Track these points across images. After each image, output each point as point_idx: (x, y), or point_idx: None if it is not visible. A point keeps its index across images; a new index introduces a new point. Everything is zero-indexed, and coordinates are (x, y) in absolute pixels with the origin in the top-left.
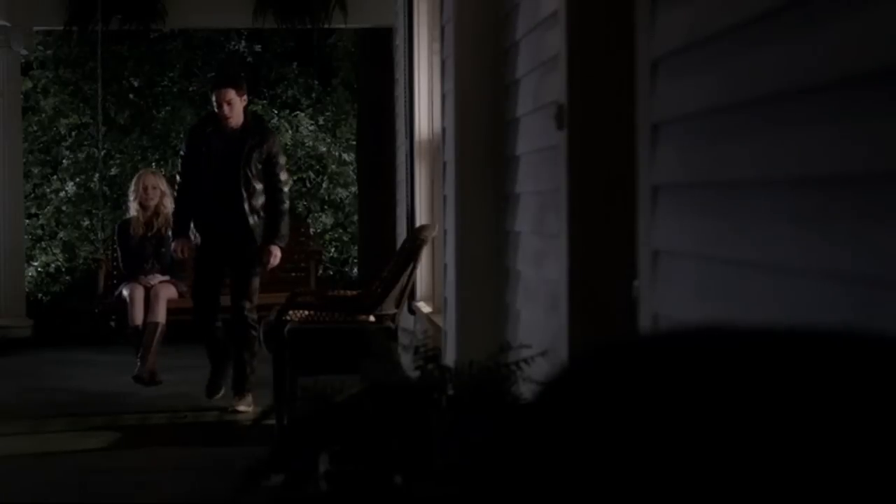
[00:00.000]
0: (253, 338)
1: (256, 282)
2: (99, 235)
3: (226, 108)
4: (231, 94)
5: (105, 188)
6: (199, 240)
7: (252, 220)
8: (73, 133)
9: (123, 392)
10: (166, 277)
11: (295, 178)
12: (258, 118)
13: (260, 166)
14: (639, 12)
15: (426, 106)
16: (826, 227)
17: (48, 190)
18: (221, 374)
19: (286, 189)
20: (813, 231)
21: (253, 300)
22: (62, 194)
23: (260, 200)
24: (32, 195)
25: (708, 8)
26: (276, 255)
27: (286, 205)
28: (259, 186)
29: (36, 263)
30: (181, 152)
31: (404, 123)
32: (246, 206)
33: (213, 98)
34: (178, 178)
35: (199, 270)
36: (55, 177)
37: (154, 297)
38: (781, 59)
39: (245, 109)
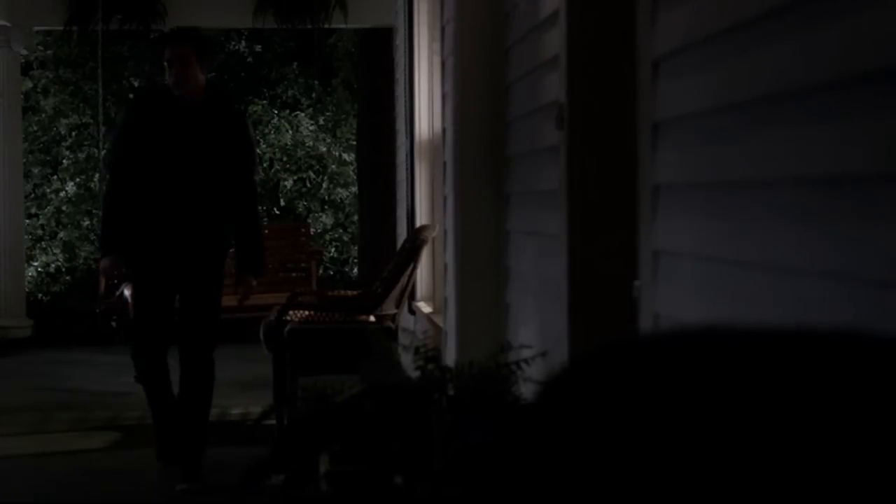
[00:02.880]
0: (211, 389)
1: (219, 311)
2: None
3: (178, 68)
4: (187, 51)
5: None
6: (135, 257)
7: (213, 230)
8: (73, 133)
9: (123, 392)
10: None
11: (295, 178)
12: (223, 95)
13: (225, 158)
14: (639, 12)
15: (426, 106)
16: (826, 227)
17: (48, 190)
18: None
19: (256, 188)
20: (813, 231)
21: (215, 336)
22: (62, 194)
23: (223, 204)
24: (32, 195)
25: (708, 8)
26: (252, 287)
27: (260, 219)
28: (223, 185)
29: (36, 263)
30: (113, 137)
31: (404, 123)
32: (204, 212)
33: (166, 59)
34: (107, 172)
35: (141, 299)
36: (55, 177)
37: None
38: (781, 59)
39: (206, 83)
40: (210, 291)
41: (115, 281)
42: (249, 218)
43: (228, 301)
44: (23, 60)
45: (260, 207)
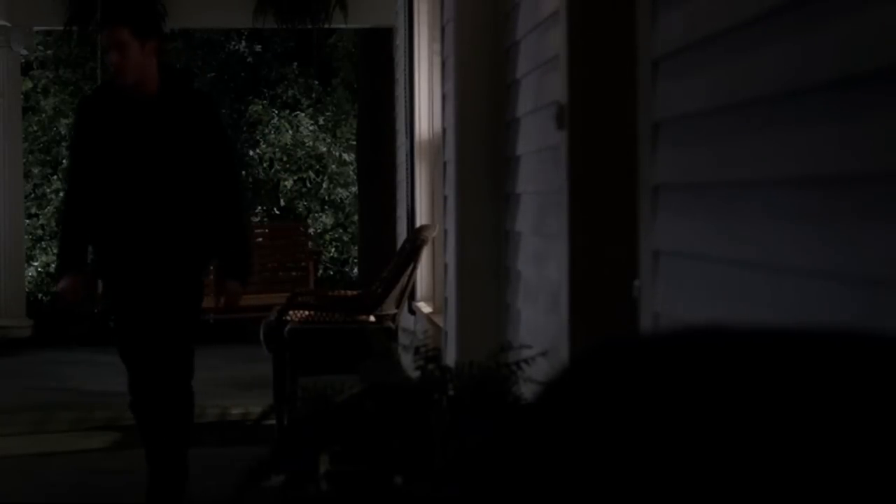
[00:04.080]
0: (191, 422)
1: (196, 333)
2: None
3: (115, 56)
4: (124, 35)
5: None
6: (109, 281)
7: (188, 238)
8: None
9: (123, 392)
10: None
11: (295, 178)
12: (183, 78)
13: (192, 152)
14: (639, 12)
15: (426, 106)
16: (826, 227)
17: (48, 190)
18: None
19: (238, 182)
20: (813, 231)
21: (192, 361)
22: (62, 194)
23: (198, 206)
24: (32, 195)
25: (708, 8)
26: (238, 295)
27: (244, 215)
28: (195, 184)
29: (36, 263)
30: (68, 142)
31: (404, 123)
32: (175, 218)
33: (102, 46)
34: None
35: (124, 328)
36: (55, 177)
37: None
38: (781, 59)
39: (158, 64)
40: (187, 310)
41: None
42: (231, 215)
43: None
44: (23, 60)
45: (244, 203)
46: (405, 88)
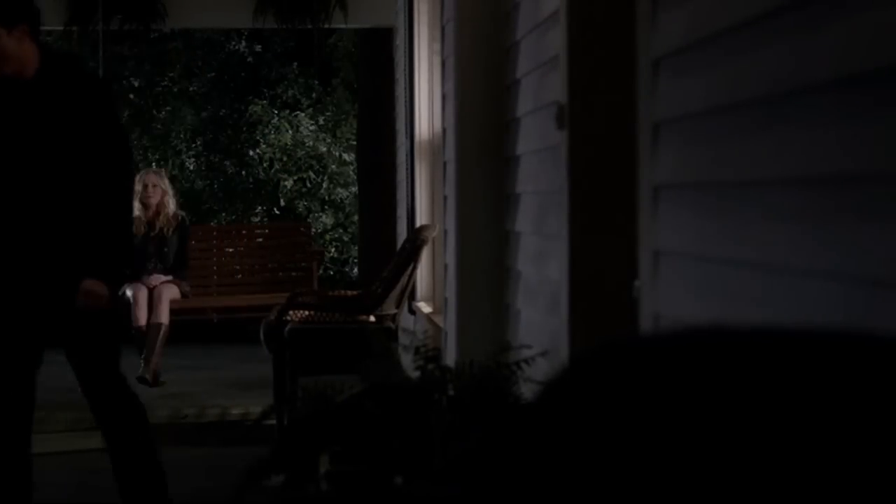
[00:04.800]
0: (147, 434)
1: (112, 334)
2: None
3: None
4: None
5: None
6: None
7: (74, 241)
8: None
9: None
10: (169, 277)
11: (295, 178)
12: (67, 59)
13: (71, 135)
14: (639, 12)
15: (426, 106)
16: (826, 227)
17: None
18: None
19: (124, 175)
20: (813, 231)
21: (118, 359)
22: None
23: (80, 198)
24: None
25: (708, 8)
26: (99, 294)
27: (125, 212)
28: (74, 171)
29: None
30: None
31: (404, 123)
32: (54, 211)
33: None
34: None
35: None
36: None
37: (157, 298)
38: (781, 59)
39: (40, 49)
40: (91, 313)
41: None
42: (106, 207)
43: (228, 301)
44: None
45: (127, 198)
46: (405, 88)
